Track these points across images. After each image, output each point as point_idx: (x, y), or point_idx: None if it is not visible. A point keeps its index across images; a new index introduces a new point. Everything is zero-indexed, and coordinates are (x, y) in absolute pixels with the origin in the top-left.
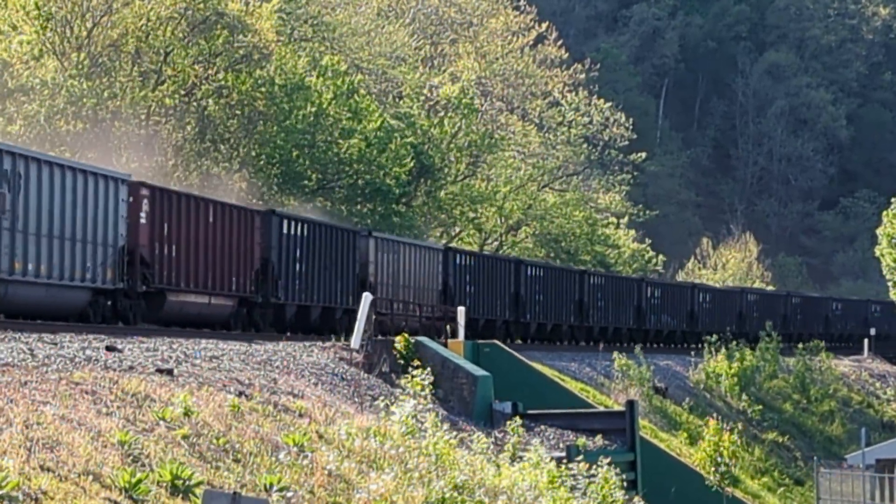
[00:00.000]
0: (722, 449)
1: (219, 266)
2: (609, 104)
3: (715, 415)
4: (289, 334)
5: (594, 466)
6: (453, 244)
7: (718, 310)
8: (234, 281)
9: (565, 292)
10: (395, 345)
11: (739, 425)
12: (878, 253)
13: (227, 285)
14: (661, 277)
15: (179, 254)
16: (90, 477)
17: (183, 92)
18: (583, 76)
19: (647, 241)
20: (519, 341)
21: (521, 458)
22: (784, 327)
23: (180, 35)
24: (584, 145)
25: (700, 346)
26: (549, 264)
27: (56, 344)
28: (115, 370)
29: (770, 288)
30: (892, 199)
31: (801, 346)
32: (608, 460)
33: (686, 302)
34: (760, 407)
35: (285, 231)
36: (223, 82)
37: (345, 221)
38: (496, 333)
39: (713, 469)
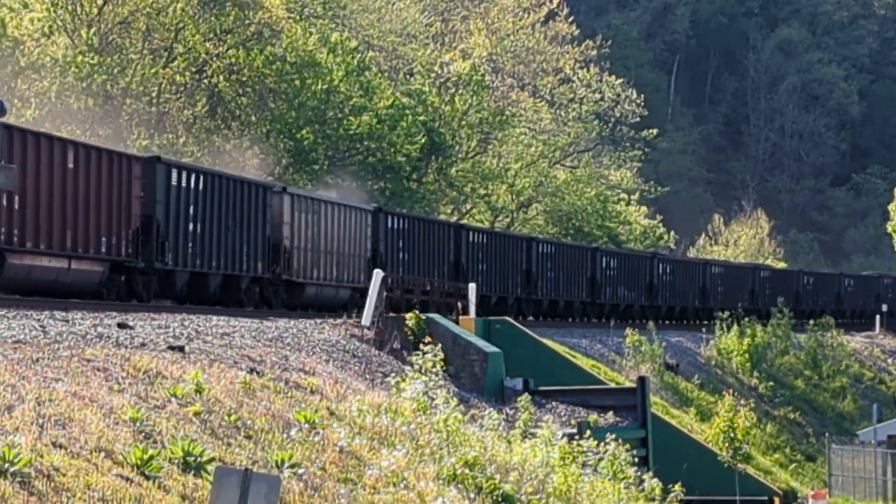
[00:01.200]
0: (736, 426)
1: (82, 222)
2: (620, 80)
3: (730, 390)
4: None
5: (602, 443)
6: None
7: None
8: (105, 242)
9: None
10: (407, 321)
11: (751, 402)
12: (889, 229)
13: (93, 246)
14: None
15: (25, 206)
16: (102, 454)
17: (194, 69)
18: (594, 52)
19: (659, 217)
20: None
21: (532, 434)
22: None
23: (191, 12)
24: (596, 122)
25: (712, 322)
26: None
27: (68, 321)
28: (126, 347)
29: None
30: None
31: (812, 322)
32: (613, 437)
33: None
34: (772, 383)
35: (175, 183)
36: (234, 59)
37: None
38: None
39: (726, 445)
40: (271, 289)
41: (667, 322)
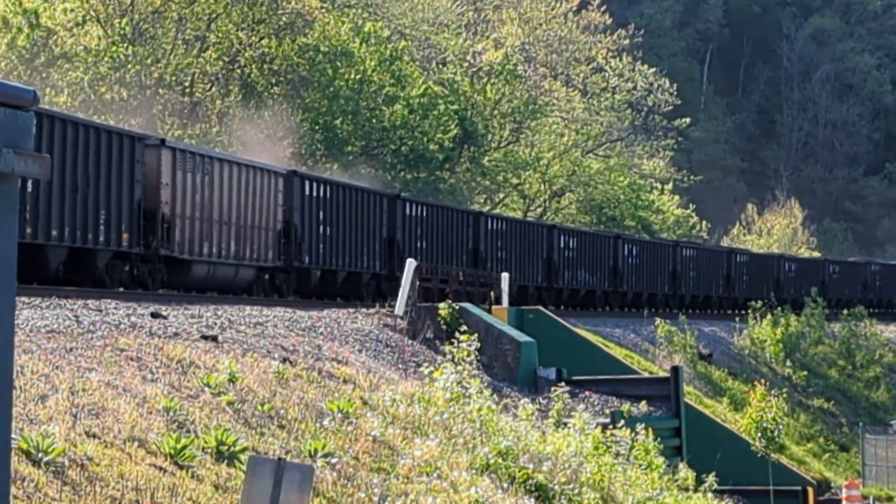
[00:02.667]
0: (768, 415)
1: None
2: (653, 70)
3: (763, 380)
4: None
5: (633, 433)
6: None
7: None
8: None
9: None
10: (439, 311)
11: (784, 391)
12: None
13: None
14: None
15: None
16: (136, 443)
17: (227, 59)
18: (626, 42)
19: (692, 206)
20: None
21: (565, 424)
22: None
23: (224, 2)
24: (628, 111)
25: (736, 312)
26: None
27: (101, 310)
28: (159, 337)
29: (815, 254)
30: None
31: (845, 311)
32: (642, 426)
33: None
34: (805, 373)
35: None
36: (266, 49)
37: (388, 188)
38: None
39: (759, 435)
40: (145, 267)
41: (690, 311)
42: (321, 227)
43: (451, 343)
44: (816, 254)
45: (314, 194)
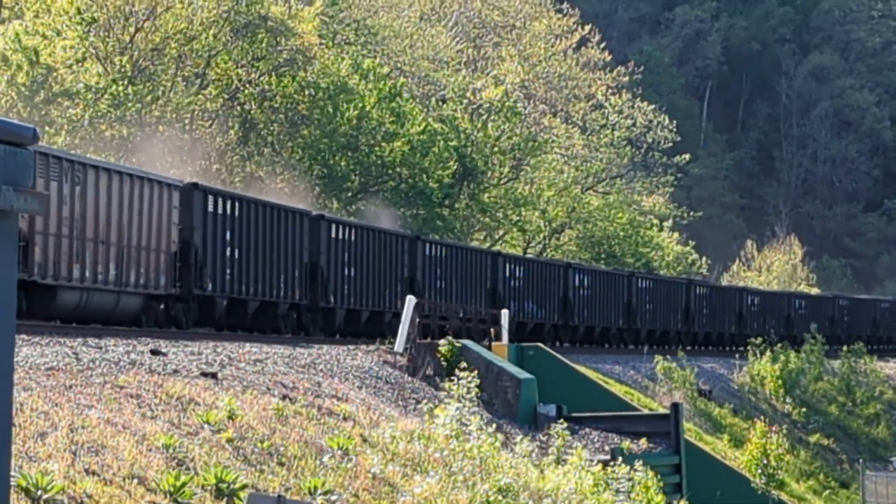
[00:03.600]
0: (769, 452)
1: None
2: (652, 106)
3: (762, 417)
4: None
5: (632, 470)
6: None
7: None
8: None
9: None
10: (439, 348)
11: (784, 428)
12: None
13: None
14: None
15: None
16: (135, 480)
17: (226, 96)
18: (626, 79)
19: (691, 243)
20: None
21: (565, 460)
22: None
23: (223, 39)
24: (628, 148)
25: (746, 349)
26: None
27: (101, 348)
28: (159, 374)
29: (815, 291)
30: None
31: (846, 348)
32: (640, 463)
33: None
34: (805, 409)
35: None
36: (266, 86)
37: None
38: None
39: (759, 472)
40: None
41: (703, 348)
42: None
43: (452, 380)
44: (816, 290)
45: (219, 211)
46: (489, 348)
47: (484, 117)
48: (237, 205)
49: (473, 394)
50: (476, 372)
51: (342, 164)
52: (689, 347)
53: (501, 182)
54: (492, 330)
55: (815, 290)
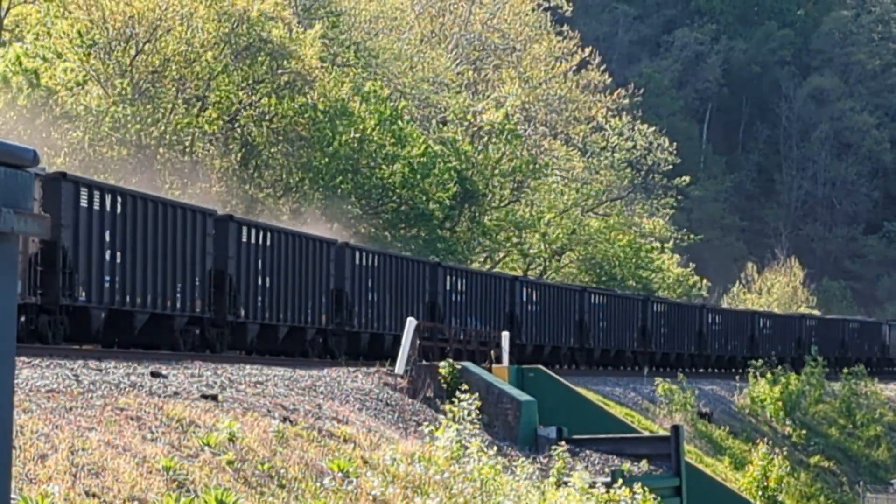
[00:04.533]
0: (769, 474)
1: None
2: (652, 129)
3: (765, 439)
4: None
5: (633, 493)
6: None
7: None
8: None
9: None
10: (440, 370)
11: (785, 450)
12: None
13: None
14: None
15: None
16: (135, 503)
17: (226, 118)
18: (626, 101)
19: (692, 265)
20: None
21: (565, 483)
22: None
23: (224, 62)
24: (628, 170)
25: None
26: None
27: (101, 370)
28: (159, 396)
29: (816, 313)
30: None
31: (846, 370)
32: (639, 486)
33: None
34: (805, 431)
35: None
36: (266, 108)
37: (389, 246)
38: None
39: (760, 494)
40: None
41: (716, 370)
42: (458, 308)
43: (452, 402)
44: (816, 312)
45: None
46: (490, 370)
47: (484, 140)
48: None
49: (473, 416)
50: (477, 394)
51: (343, 186)
52: (702, 370)
53: (502, 204)
54: (492, 352)
55: (815, 313)
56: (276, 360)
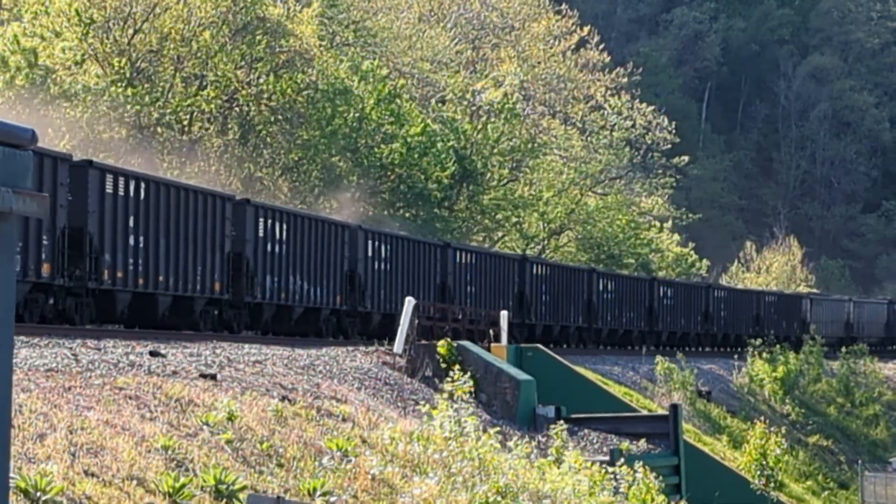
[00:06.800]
0: (768, 452)
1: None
2: (651, 108)
3: (763, 418)
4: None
5: (633, 471)
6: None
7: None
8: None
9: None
10: (438, 349)
11: (783, 429)
12: None
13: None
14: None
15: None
16: (134, 482)
17: (225, 97)
18: (625, 80)
19: (690, 244)
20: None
21: (563, 461)
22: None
23: (221, 40)
24: (627, 149)
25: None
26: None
27: (100, 349)
28: (158, 375)
29: (815, 291)
30: None
31: (844, 349)
32: (640, 464)
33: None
34: (804, 410)
35: None
36: (265, 87)
37: (387, 225)
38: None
39: (758, 473)
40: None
41: (722, 349)
42: (468, 287)
43: (450, 381)
44: (816, 290)
45: (464, 261)
46: (488, 349)
47: (483, 119)
48: (472, 256)
49: (467, 395)
50: (470, 373)
51: (341, 165)
52: (708, 349)
53: (501, 184)
54: (491, 331)
55: (814, 290)
56: (275, 339)
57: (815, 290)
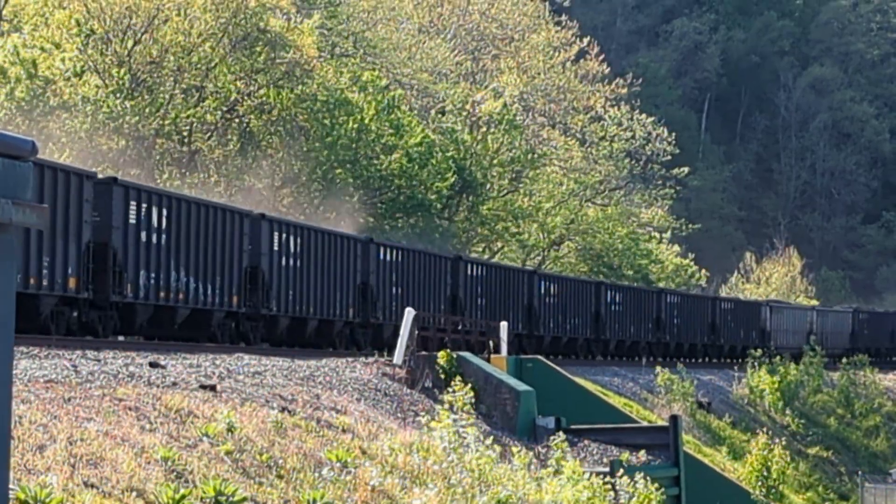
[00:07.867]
0: (770, 464)
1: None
2: (651, 119)
3: (765, 429)
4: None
5: (633, 482)
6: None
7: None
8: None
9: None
10: (438, 360)
11: (783, 440)
12: None
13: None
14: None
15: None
16: (134, 493)
17: (225, 108)
18: (624, 91)
19: (690, 255)
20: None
21: (563, 473)
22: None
23: (222, 52)
24: (627, 160)
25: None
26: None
27: (99, 360)
28: (158, 386)
29: (814, 302)
30: None
31: (844, 360)
32: (641, 475)
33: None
34: (804, 421)
35: None
36: (265, 98)
37: (387, 237)
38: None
39: (759, 484)
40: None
41: (728, 360)
42: (479, 300)
43: (450, 392)
44: (815, 302)
45: (474, 274)
46: (488, 360)
47: (483, 130)
48: (483, 269)
49: (468, 406)
50: (470, 384)
51: (341, 176)
52: (714, 360)
53: (500, 194)
54: (490, 342)
55: (814, 302)
56: (275, 350)
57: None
